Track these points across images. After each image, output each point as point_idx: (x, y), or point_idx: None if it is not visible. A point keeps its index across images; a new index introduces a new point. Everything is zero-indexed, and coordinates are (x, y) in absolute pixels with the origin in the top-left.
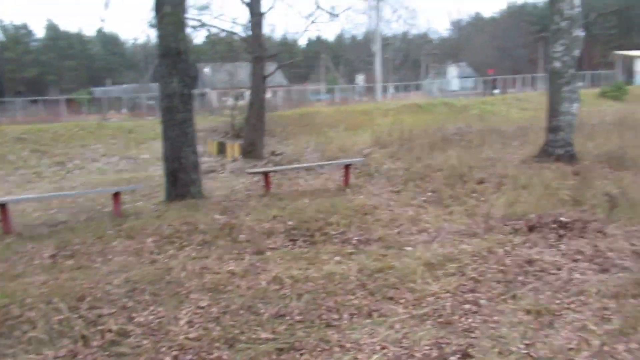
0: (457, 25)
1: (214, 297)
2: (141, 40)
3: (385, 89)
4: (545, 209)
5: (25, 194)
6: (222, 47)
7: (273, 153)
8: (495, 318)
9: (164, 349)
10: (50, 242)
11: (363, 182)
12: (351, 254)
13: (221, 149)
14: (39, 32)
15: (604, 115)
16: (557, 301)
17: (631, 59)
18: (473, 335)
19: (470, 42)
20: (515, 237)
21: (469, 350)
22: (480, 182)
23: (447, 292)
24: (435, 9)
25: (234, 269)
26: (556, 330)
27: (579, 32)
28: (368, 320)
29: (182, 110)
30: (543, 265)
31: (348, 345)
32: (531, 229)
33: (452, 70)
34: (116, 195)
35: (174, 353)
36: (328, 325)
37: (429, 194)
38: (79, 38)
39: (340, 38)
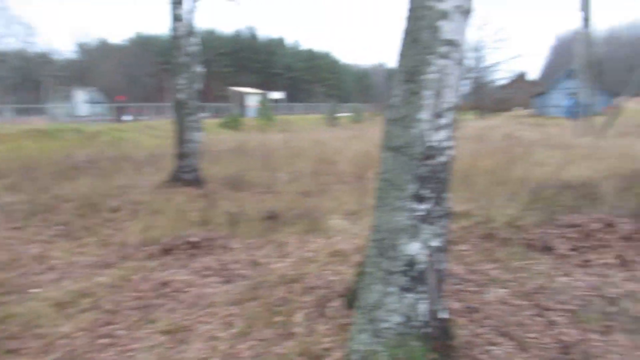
0: (83, 48)
1: None
2: None
3: None
4: (178, 231)
5: None
6: None
7: None
8: (132, 346)
9: None
10: None
11: None
12: None
13: None
14: None
15: (225, 143)
16: (190, 317)
17: (242, 94)
18: None
19: (98, 67)
20: (150, 262)
21: None
22: (115, 210)
23: (81, 330)
24: (58, 28)
25: None
26: (189, 344)
27: (199, 68)
28: None
29: None
30: (177, 285)
31: None
32: (166, 252)
33: (80, 95)
34: None
35: None
36: None
37: (58, 227)
38: None
39: None
